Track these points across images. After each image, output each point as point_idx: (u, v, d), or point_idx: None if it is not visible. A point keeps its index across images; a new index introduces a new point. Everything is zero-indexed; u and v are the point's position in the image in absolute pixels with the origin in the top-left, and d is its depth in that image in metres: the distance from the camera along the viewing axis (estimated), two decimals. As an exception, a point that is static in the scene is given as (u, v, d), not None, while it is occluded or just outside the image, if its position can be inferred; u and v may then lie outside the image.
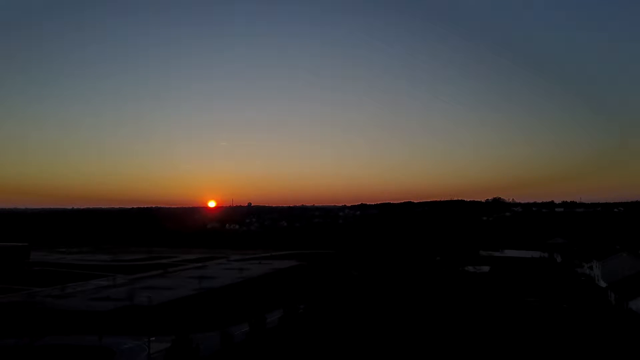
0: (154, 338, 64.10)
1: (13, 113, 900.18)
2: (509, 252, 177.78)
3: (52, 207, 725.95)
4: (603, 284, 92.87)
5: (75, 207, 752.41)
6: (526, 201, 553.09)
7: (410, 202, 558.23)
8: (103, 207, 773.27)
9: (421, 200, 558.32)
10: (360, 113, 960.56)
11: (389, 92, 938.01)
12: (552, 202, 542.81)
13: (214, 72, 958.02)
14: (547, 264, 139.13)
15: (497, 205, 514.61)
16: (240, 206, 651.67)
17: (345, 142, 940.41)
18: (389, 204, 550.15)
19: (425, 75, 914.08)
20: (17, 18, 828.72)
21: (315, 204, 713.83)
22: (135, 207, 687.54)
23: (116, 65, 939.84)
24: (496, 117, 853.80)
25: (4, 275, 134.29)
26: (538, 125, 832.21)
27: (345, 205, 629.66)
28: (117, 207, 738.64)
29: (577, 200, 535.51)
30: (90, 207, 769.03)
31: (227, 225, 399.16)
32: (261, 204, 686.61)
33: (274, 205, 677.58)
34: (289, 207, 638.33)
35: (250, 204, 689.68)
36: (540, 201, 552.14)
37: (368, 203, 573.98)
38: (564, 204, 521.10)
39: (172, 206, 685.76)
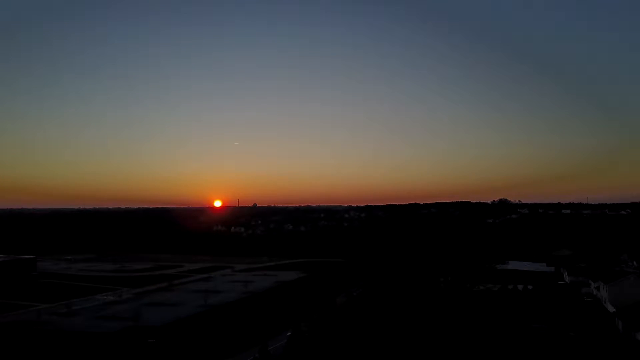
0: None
1: (18, 114, 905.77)
2: (515, 264, 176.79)
3: (59, 207, 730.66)
4: (611, 308, 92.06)
5: (82, 208, 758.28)
6: (533, 201, 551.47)
7: (415, 203, 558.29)
8: (109, 207, 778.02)
9: (427, 202, 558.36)
10: (365, 113, 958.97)
11: (394, 92, 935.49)
12: (559, 203, 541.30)
13: (218, 72, 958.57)
14: (553, 280, 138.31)
15: (502, 206, 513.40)
16: (246, 207, 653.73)
17: (350, 142, 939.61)
18: (394, 205, 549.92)
19: (430, 75, 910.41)
20: (20, 18, 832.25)
21: (321, 204, 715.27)
22: (141, 207, 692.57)
23: (122, 65, 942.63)
24: (502, 116, 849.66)
25: (11, 290, 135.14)
26: (544, 124, 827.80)
27: (350, 205, 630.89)
28: (124, 207, 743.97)
29: (584, 200, 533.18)
30: (97, 207, 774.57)
31: (232, 227, 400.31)
32: (266, 204, 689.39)
33: (279, 205, 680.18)
34: (295, 208, 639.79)
35: (256, 204, 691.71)
36: (546, 202, 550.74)
37: (373, 204, 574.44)
38: (570, 205, 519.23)
39: (179, 206, 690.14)
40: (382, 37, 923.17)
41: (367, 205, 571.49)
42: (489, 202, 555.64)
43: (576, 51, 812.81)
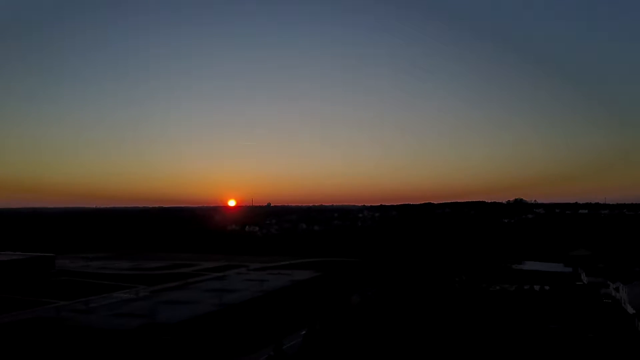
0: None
1: (38, 115, 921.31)
2: (531, 265, 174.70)
3: (77, 206, 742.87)
4: (630, 310, 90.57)
5: (99, 207, 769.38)
6: (549, 201, 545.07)
7: (430, 203, 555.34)
8: (126, 206, 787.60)
9: (441, 201, 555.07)
10: (379, 112, 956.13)
11: (408, 91, 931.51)
12: (576, 203, 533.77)
13: (232, 72, 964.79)
14: (570, 281, 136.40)
15: (518, 206, 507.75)
16: (260, 206, 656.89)
17: (364, 142, 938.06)
18: (408, 205, 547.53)
19: (445, 74, 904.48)
20: (40, 18, 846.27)
21: (334, 204, 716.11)
22: (157, 206, 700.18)
23: (138, 65, 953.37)
24: (517, 115, 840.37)
25: (31, 287, 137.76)
26: (561, 122, 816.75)
27: (364, 205, 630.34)
28: (140, 206, 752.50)
29: (602, 200, 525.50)
30: (114, 206, 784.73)
31: (246, 226, 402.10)
32: (280, 204, 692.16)
33: (293, 205, 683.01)
34: (308, 207, 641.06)
35: (270, 204, 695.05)
36: (563, 202, 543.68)
37: (387, 204, 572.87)
38: (587, 205, 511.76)
39: (194, 205, 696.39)
40: (396, 36, 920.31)
41: (381, 205, 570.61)
42: (504, 201, 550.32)
43: (593, 50, 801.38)
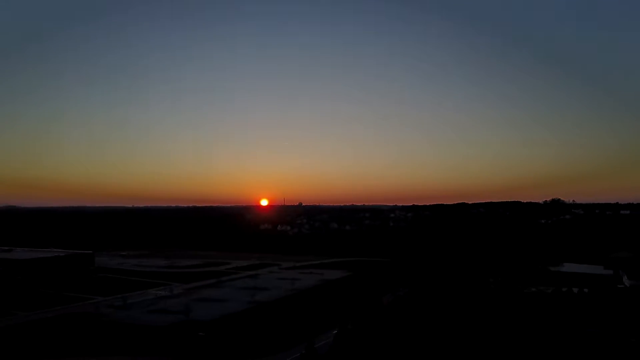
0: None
1: (74, 117, 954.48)
2: (569, 267, 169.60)
3: (114, 205, 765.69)
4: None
5: (134, 206, 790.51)
6: (588, 201, 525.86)
7: (464, 203, 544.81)
8: (161, 205, 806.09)
9: (475, 202, 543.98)
10: (412, 112, 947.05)
11: (439, 91, 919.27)
12: (617, 203, 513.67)
13: (266, 72, 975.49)
14: (611, 284, 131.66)
15: (555, 206, 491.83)
16: (292, 205, 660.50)
17: (396, 142, 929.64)
18: (441, 205, 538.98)
19: (480, 74, 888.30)
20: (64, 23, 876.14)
21: (365, 204, 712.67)
22: (191, 205, 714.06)
23: (174, 67, 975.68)
24: (553, 113, 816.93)
25: (72, 283, 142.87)
26: (599, 119, 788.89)
27: (396, 205, 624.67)
28: (175, 205, 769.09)
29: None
30: (149, 205, 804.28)
31: (278, 226, 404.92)
32: (312, 204, 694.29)
33: (324, 205, 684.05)
34: (339, 207, 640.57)
35: (301, 203, 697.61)
36: (603, 202, 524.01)
37: (420, 204, 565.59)
38: (630, 205, 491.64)
39: (227, 204, 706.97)
40: (423, 36, 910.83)
41: (414, 205, 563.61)
42: (540, 202, 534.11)
43: (630, 49, 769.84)
